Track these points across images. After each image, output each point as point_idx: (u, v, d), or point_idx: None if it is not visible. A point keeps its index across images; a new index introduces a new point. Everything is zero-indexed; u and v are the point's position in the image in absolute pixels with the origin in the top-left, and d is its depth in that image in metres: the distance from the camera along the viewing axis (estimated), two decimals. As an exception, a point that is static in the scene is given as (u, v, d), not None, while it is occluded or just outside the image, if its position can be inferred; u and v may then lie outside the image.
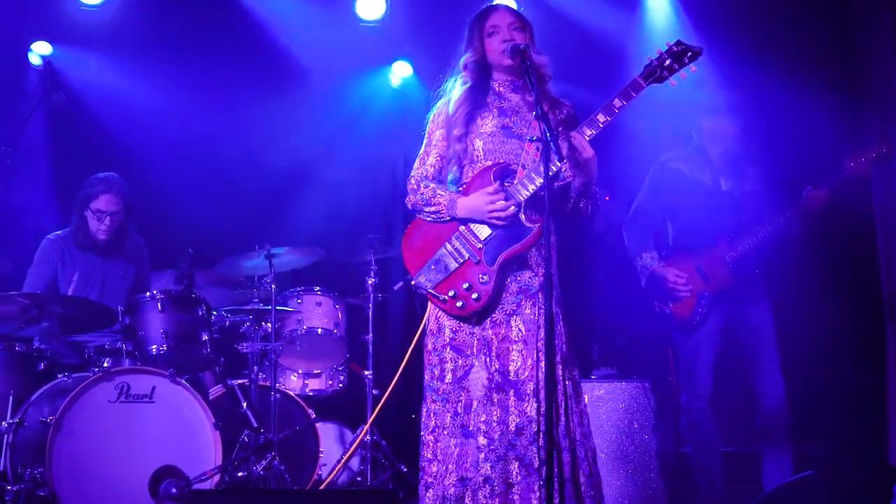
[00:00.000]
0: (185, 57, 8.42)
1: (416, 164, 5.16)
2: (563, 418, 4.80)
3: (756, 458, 6.68)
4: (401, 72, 9.07)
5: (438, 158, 5.11)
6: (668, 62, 4.85)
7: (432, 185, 5.03)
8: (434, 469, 4.85)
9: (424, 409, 4.95)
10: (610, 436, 6.97)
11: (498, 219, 4.84)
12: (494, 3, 5.32)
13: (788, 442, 6.55)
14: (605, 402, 7.04)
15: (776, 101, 7.38)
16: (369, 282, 7.67)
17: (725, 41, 7.56)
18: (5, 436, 6.06)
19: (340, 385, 7.88)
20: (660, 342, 7.14)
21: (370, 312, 7.67)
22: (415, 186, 5.07)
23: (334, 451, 7.55)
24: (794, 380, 6.61)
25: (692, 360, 6.58)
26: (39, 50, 8.29)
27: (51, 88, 6.87)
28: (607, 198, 8.25)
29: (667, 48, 4.88)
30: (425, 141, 5.18)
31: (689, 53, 4.86)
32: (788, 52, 7.85)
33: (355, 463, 7.57)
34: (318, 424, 7.32)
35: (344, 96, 8.80)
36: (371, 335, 7.63)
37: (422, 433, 4.94)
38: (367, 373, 7.59)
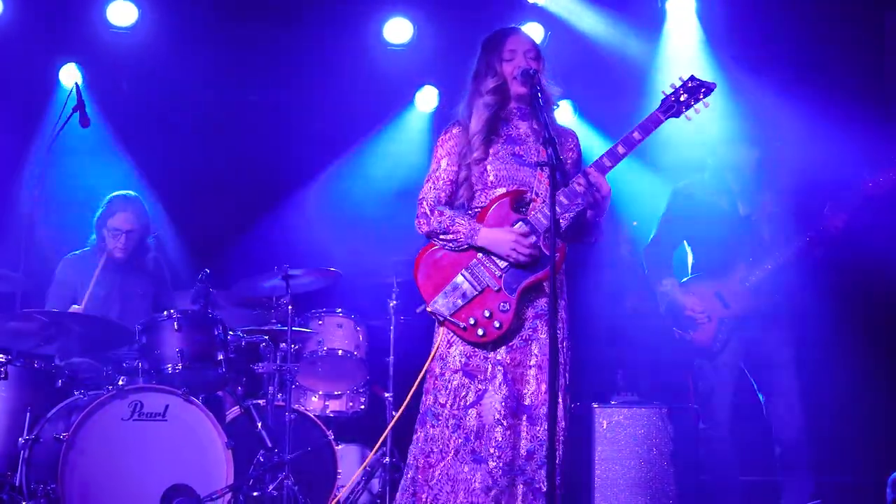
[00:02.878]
0: (211, 80, 8.48)
1: (426, 187, 5.10)
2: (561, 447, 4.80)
3: (776, 488, 6.62)
4: (427, 97, 9.09)
5: (449, 183, 5.07)
6: (683, 97, 4.89)
7: (448, 211, 4.99)
8: (424, 495, 4.82)
9: (422, 434, 4.90)
10: (628, 462, 6.94)
11: (518, 258, 4.82)
12: (511, 26, 5.35)
13: (809, 472, 6.48)
14: (624, 427, 7.01)
15: (798, 127, 7.34)
16: (391, 304, 7.68)
17: (747, 66, 7.55)
18: (21, 451, 6.12)
19: (361, 407, 7.88)
20: (682, 368, 7.09)
21: (391, 334, 7.68)
22: (427, 211, 5.02)
23: (354, 473, 7.53)
24: (817, 409, 6.55)
25: (712, 388, 6.55)
26: (68, 72, 8.38)
27: (77, 110, 6.92)
28: (635, 223, 8.24)
29: (681, 83, 4.91)
30: (436, 163, 5.13)
31: (704, 89, 4.91)
32: (812, 78, 7.81)
33: (375, 485, 7.56)
34: (339, 446, 7.32)
35: (370, 119, 8.82)
36: (392, 357, 7.64)
37: (416, 459, 4.89)
38: (387, 395, 7.60)
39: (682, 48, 8.12)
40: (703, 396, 6.65)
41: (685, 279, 6.71)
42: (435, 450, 4.85)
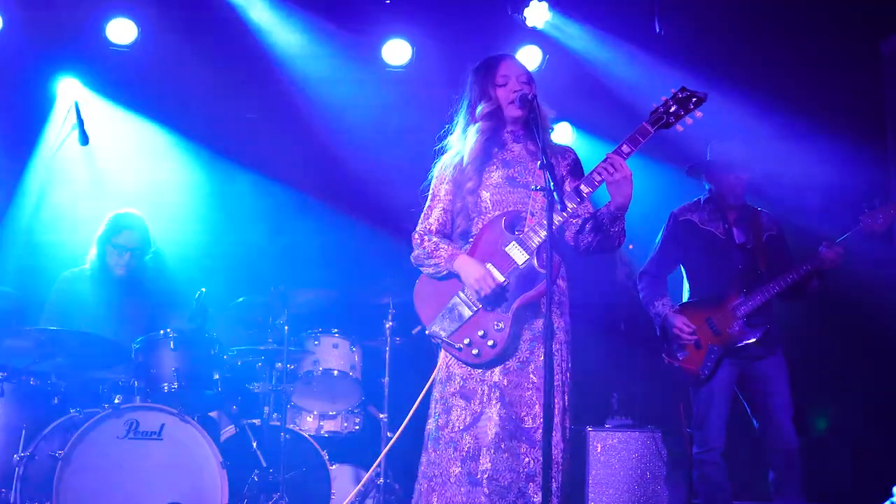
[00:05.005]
0: (210, 98, 8.49)
1: (420, 219, 5.19)
2: (560, 468, 4.83)
3: (769, 512, 6.64)
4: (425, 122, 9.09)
5: (443, 212, 5.13)
6: (673, 108, 4.89)
7: (435, 238, 5.06)
8: None
9: (424, 458, 4.94)
10: (622, 485, 6.98)
11: (480, 293, 4.85)
12: (501, 53, 5.37)
13: (801, 497, 6.48)
14: (617, 451, 7.05)
15: (796, 151, 7.39)
16: (387, 325, 7.70)
17: (742, 90, 7.59)
18: (17, 469, 6.13)
19: (356, 427, 7.88)
20: (676, 392, 7.11)
21: (387, 355, 7.69)
22: (418, 241, 5.10)
23: (348, 493, 7.52)
24: (808, 435, 6.57)
25: (704, 413, 6.53)
26: (66, 87, 8.37)
27: (76, 128, 6.95)
28: (630, 246, 8.26)
29: (671, 94, 4.92)
30: (430, 195, 5.20)
31: (695, 99, 4.90)
32: (808, 102, 7.84)
33: (369, 506, 7.57)
34: (333, 466, 7.32)
35: (367, 140, 8.84)
36: (388, 378, 7.65)
37: (420, 482, 4.93)
38: (382, 416, 7.61)
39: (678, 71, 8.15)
40: (695, 421, 6.64)
41: (678, 305, 6.71)
42: (437, 473, 4.88)
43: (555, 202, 4.57)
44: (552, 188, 4.54)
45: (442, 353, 5.03)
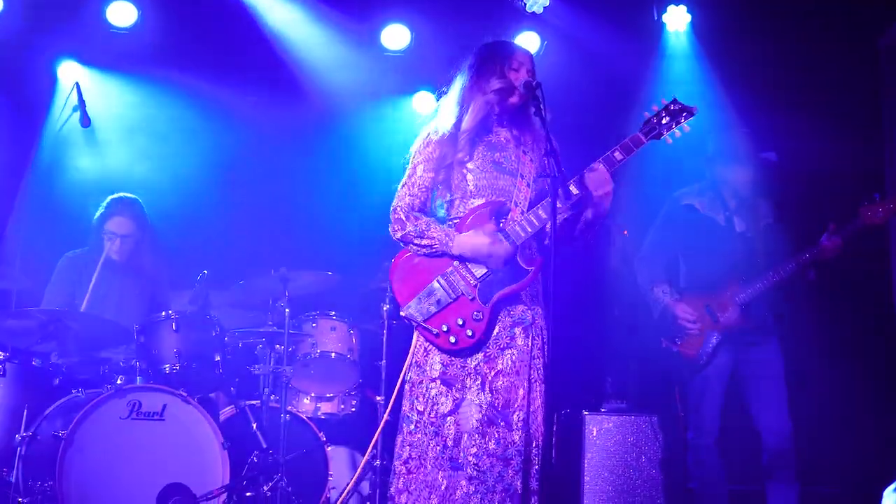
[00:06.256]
0: (209, 80, 8.49)
1: (401, 192, 5.07)
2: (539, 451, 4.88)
3: (763, 496, 6.67)
4: (424, 102, 9.13)
5: (425, 189, 5.05)
6: (665, 119, 4.95)
7: (424, 218, 4.99)
8: (403, 500, 4.85)
9: (400, 440, 4.94)
10: (617, 469, 7.02)
11: (491, 262, 4.86)
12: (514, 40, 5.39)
13: (795, 481, 6.54)
14: (613, 434, 7.09)
15: (794, 140, 7.43)
16: (384, 308, 7.71)
17: (741, 81, 7.63)
18: (18, 448, 6.16)
19: (353, 409, 7.90)
20: (671, 377, 7.14)
21: (384, 338, 7.72)
22: (402, 217, 5.00)
23: (344, 474, 7.57)
24: (804, 421, 6.62)
25: (700, 398, 6.58)
26: (67, 70, 8.41)
27: (77, 110, 6.96)
28: (625, 232, 8.30)
29: (663, 105, 4.97)
30: (412, 168, 5.10)
31: (685, 113, 4.96)
32: (806, 94, 7.88)
33: (365, 488, 7.60)
34: (329, 448, 7.36)
35: (365, 124, 8.86)
36: (385, 361, 7.68)
37: (394, 463, 4.94)
38: (379, 398, 7.65)
39: (678, 62, 8.19)
40: (691, 405, 6.68)
41: (676, 289, 6.74)
42: (414, 456, 4.88)
43: (558, 191, 4.60)
44: (557, 176, 4.58)
45: (416, 335, 5.01)
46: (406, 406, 4.97)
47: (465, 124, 5.04)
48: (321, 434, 7.34)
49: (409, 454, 4.88)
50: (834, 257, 6.40)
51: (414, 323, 4.94)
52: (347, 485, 6.98)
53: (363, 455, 7.71)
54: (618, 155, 4.88)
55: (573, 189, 4.87)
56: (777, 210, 6.75)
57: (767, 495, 6.63)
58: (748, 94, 7.69)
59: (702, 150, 6.79)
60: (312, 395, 7.80)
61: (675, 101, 4.97)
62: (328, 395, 7.83)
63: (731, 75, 7.70)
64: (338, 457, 7.62)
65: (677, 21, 8.36)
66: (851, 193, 6.58)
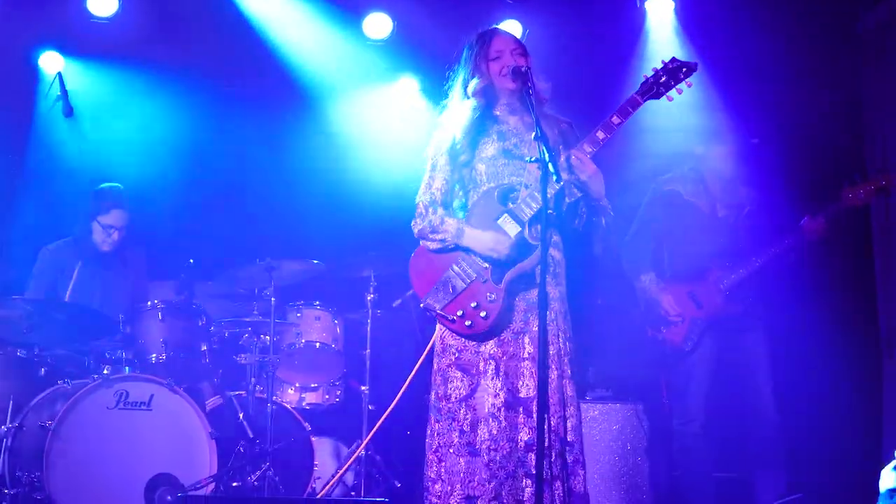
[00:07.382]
0: (192, 70, 8.46)
1: (421, 189, 5.14)
2: (574, 434, 4.90)
3: (749, 483, 6.70)
4: (407, 88, 9.13)
5: (444, 183, 5.10)
6: (663, 78, 4.91)
7: (441, 211, 5.05)
8: (438, 488, 4.87)
9: (429, 429, 4.97)
10: (603, 457, 7.02)
11: (499, 258, 4.89)
12: (494, 27, 5.40)
13: (782, 469, 6.56)
14: (598, 423, 7.09)
15: (775, 118, 7.47)
16: (368, 298, 7.72)
17: (723, 64, 7.66)
18: (4, 440, 6.15)
19: (337, 399, 7.90)
20: (655, 365, 7.15)
21: (368, 328, 7.71)
22: (423, 212, 5.07)
23: (329, 464, 7.57)
24: (789, 408, 6.64)
25: (685, 385, 6.59)
26: (49, 60, 8.35)
27: (59, 100, 6.94)
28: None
29: (662, 65, 4.94)
30: (429, 166, 5.16)
31: (685, 69, 4.92)
32: (788, 76, 7.91)
33: (350, 478, 7.59)
34: (313, 438, 7.36)
35: (349, 113, 8.85)
36: (369, 350, 7.67)
37: (426, 453, 4.96)
38: (363, 388, 7.65)
39: (661, 47, 8.19)
40: (676, 393, 6.70)
41: (661, 277, 6.74)
42: (441, 444, 4.91)
43: (549, 174, 4.60)
44: (547, 160, 4.57)
45: (438, 326, 5.07)
46: (432, 396, 5.00)
47: (458, 132, 5.10)
48: (306, 424, 7.34)
49: (439, 442, 4.91)
50: (818, 239, 6.42)
51: (432, 313, 4.98)
52: (334, 476, 6.97)
53: (347, 446, 7.72)
54: (615, 119, 4.87)
55: (564, 175, 4.85)
56: (759, 194, 6.77)
57: (754, 483, 6.65)
58: (731, 80, 7.70)
59: (685, 135, 6.81)
60: (297, 385, 7.79)
61: (673, 60, 4.94)
62: (313, 385, 7.83)
63: (714, 59, 7.69)
64: (323, 447, 7.62)
65: (659, 8, 8.37)
66: (833, 176, 6.62)
